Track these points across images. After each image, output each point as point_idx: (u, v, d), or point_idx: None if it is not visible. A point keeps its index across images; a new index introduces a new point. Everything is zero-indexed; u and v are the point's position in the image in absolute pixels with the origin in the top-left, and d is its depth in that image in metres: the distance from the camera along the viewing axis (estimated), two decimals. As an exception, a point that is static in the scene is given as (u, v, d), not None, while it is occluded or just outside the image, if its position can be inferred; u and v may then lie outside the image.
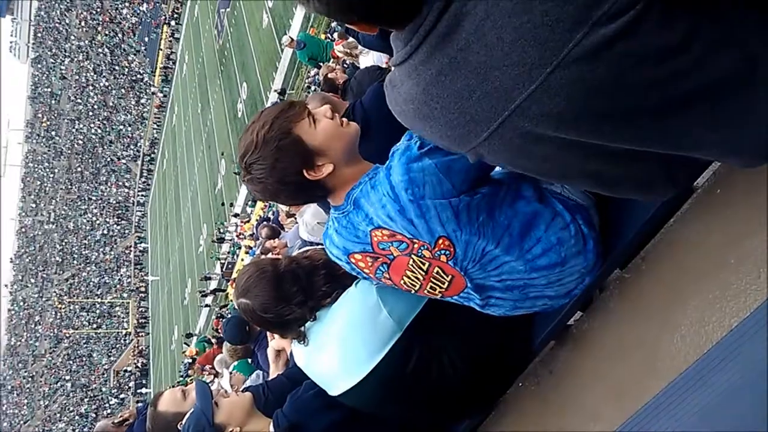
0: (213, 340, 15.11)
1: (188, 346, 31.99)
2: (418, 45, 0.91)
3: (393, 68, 1.02)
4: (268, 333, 2.67)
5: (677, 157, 0.93)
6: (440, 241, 1.30)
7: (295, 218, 4.43)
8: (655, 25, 0.78)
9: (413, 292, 1.44)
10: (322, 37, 12.35)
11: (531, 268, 1.33)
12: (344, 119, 1.46)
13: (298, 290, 1.63)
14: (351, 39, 6.98)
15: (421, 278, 1.39)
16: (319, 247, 1.79)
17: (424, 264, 1.35)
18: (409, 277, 1.40)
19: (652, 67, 0.80)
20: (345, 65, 7.01)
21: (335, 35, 10.21)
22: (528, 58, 0.82)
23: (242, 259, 19.58)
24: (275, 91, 20.03)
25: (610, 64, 0.80)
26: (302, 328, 1.66)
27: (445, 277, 1.37)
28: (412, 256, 1.34)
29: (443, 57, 0.89)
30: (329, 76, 4.92)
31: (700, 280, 1.15)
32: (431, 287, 1.41)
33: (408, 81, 0.97)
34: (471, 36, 0.85)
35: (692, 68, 0.80)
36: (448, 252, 1.31)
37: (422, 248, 1.32)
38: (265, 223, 8.55)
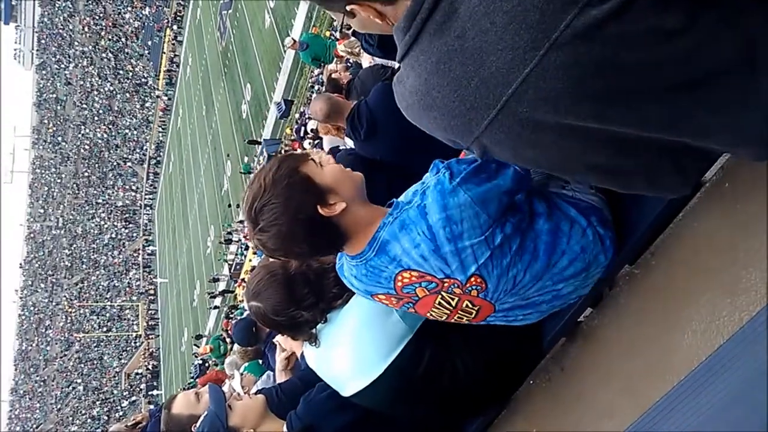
0: (227, 339, 15.15)
1: (197, 347, 32.14)
2: (417, 34, 0.91)
3: (399, 65, 1.02)
4: (276, 339, 2.68)
5: (684, 148, 0.93)
6: (472, 279, 1.28)
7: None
8: (649, 7, 0.77)
9: (442, 319, 1.42)
10: (327, 34, 12.35)
11: (559, 280, 1.33)
12: (349, 168, 1.43)
13: (309, 292, 1.64)
14: (353, 38, 6.98)
15: (449, 311, 1.37)
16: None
17: (453, 299, 1.33)
18: (436, 311, 1.38)
19: (648, 49, 0.80)
20: (348, 64, 7.01)
21: (338, 34, 10.23)
22: (521, 41, 0.81)
23: (250, 260, 19.66)
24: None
25: (604, 45, 0.79)
26: (314, 330, 1.66)
27: (473, 307, 1.35)
28: (442, 293, 1.32)
29: (441, 45, 0.89)
30: (333, 76, 4.93)
31: (711, 275, 1.14)
32: (458, 317, 1.39)
33: (412, 73, 0.97)
34: (466, 22, 0.85)
35: (692, 51, 0.79)
36: (479, 287, 1.30)
37: (453, 286, 1.29)
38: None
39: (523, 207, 1.31)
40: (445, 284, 1.29)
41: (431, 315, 1.39)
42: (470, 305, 1.34)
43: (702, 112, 0.85)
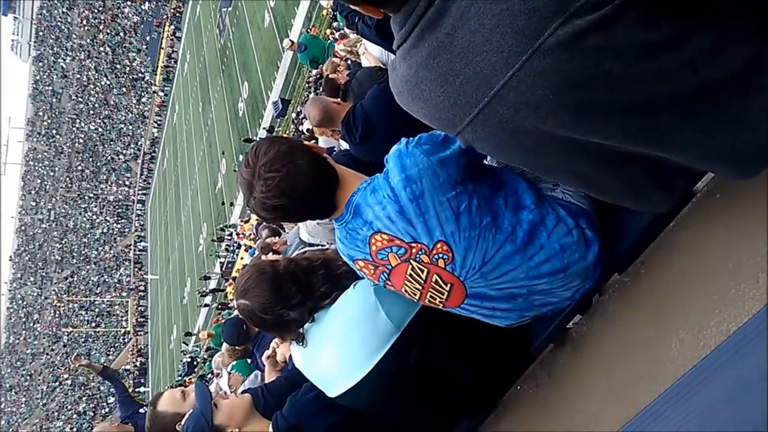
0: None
1: (186, 345, 32.02)
2: (412, 29, 0.93)
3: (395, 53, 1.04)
4: (273, 341, 2.68)
5: (667, 164, 0.93)
6: (438, 245, 1.30)
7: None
8: (636, 21, 0.77)
9: (416, 300, 1.44)
10: (327, 32, 12.35)
11: (534, 276, 1.33)
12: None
13: (297, 291, 1.63)
14: (351, 36, 6.97)
15: (421, 287, 1.39)
16: (317, 248, 1.80)
17: (423, 271, 1.35)
18: (409, 287, 1.40)
19: (632, 63, 0.80)
20: (347, 62, 7.00)
21: (337, 35, 10.22)
22: (506, 44, 0.82)
23: (242, 258, 19.58)
24: (264, 129, 20.33)
25: (586, 56, 0.80)
26: (301, 330, 1.66)
27: (444, 286, 1.37)
28: (411, 261, 1.34)
29: (432, 41, 0.91)
30: (330, 76, 4.92)
31: (700, 284, 1.15)
32: (431, 296, 1.40)
33: (404, 63, 0.99)
34: (457, 21, 0.87)
35: (681, 68, 0.79)
36: (446, 257, 1.31)
37: (420, 252, 1.32)
38: (264, 224, 8.55)
39: (504, 188, 1.33)
40: (413, 249, 1.32)
41: (405, 291, 1.42)
42: (440, 281, 1.36)
43: (683, 130, 0.85)
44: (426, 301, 1.43)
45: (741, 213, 1.10)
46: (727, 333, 1.02)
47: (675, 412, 1.03)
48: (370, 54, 4.54)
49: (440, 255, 1.32)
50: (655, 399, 1.08)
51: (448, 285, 1.37)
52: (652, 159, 0.92)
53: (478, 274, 1.34)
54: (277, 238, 5.16)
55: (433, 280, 1.36)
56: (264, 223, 8.08)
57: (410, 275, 1.37)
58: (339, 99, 3.40)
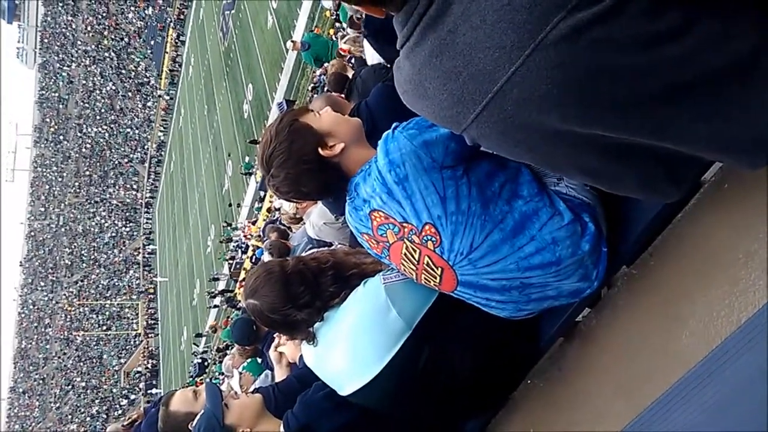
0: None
1: (197, 346, 32.15)
2: (414, 27, 0.92)
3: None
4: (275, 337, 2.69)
5: (675, 154, 0.92)
6: (426, 227, 1.33)
7: (303, 220, 4.44)
8: (639, 12, 0.77)
9: (414, 280, 1.48)
10: (331, 32, 12.35)
11: (524, 267, 1.33)
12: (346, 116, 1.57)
13: (306, 290, 1.64)
14: (353, 34, 6.98)
15: (415, 267, 1.42)
16: (326, 249, 1.81)
17: (415, 251, 1.38)
18: (405, 265, 1.44)
19: (637, 54, 0.79)
20: (351, 62, 7.01)
21: (339, 35, 10.23)
22: (508, 40, 0.82)
23: (249, 258, 19.63)
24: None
25: (590, 49, 0.79)
26: (311, 329, 1.66)
27: (435, 269, 1.39)
28: (404, 240, 1.38)
29: (434, 39, 0.90)
30: (335, 70, 4.92)
31: (709, 275, 1.14)
32: (425, 278, 1.44)
33: (407, 63, 0.99)
34: (458, 18, 0.86)
35: (685, 58, 0.79)
36: (434, 239, 1.34)
37: (411, 233, 1.35)
38: (272, 225, 8.57)
39: (501, 177, 1.33)
40: (405, 229, 1.36)
41: (402, 268, 1.46)
42: (431, 263, 1.38)
43: (691, 120, 0.84)
44: (422, 281, 1.46)
45: (750, 202, 1.09)
46: (737, 323, 1.01)
47: (686, 404, 1.03)
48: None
49: (429, 237, 1.34)
50: (666, 391, 1.07)
51: (439, 269, 1.39)
52: (659, 150, 0.91)
53: (466, 260, 1.34)
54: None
55: (425, 261, 1.39)
56: (271, 225, 8.09)
57: (405, 254, 1.41)
58: (343, 94, 3.41)
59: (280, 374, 2.58)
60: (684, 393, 1.05)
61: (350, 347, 1.59)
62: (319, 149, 1.44)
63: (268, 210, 17.83)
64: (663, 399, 1.09)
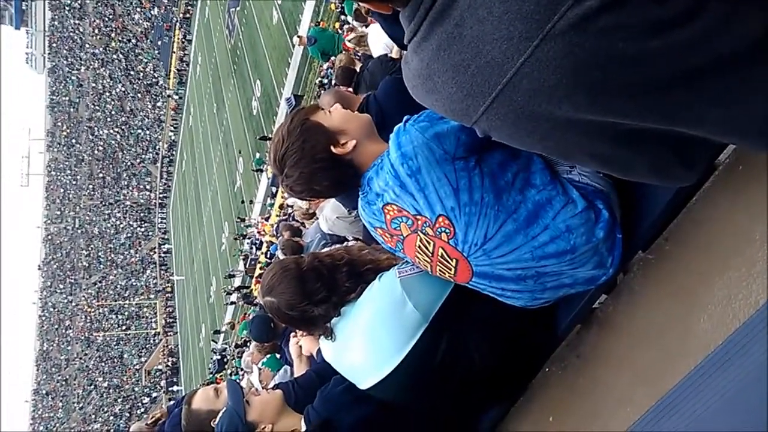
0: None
1: (215, 343, 32.42)
2: (421, 22, 0.92)
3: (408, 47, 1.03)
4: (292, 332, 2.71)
5: (688, 138, 0.92)
6: (440, 219, 1.33)
7: (316, 215, 4.46)
8: None
9: (429, 272, 1.48)
10: (336, 26, 12.33)
11: (539, 256, 1.33)
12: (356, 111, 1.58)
13: (322, 286, 1.65)
14: (359, 29, 6.96)
15: (429, 259, 1.42)
16: (341, 245, 1.82)
17: (429, 243, 1.39)
18: (420, 258, 1.44)
19: (647, 40, 0.78)
20: (357, 56, 7.00)
21: (345, 28, 10.20)
22: (515, 31, 0.81)
23: (263, 253, 19.74)
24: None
25: (599, 37, 0.78)
26: (328, 324, 1.67)
27: (450, 261, 1.39)
28: (418, 233, 1.38)
29: (442, 32, 0.90)
30: (342, 64, 4.92)
31: (726, 258, 1.13)
32: (440, 270, 1.44)
33: (415, 57, 0.98)
34: (465, 11, 0.86)
35: (695, 43, 0.78)
36: (448, 231, 1.34)
37: (425, 225, 1.36)
38: (285, 222, 8.62)
39: (513, 167, 1.33)
40: (419, 222, 1.36)
41: (417, 261, 1.47)
42: (446, 255, 1.39)
43: (703, 103, 0.84)
44: (437, 273, 1.46)
45: (765, 183, 1.08)
46: (756, 306, 1.01)
47: (705, 390, 1.02)
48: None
49: (443, 229, 1.34)
50: (685, 377, 1.07)
51: (454, 260, 1.39)
52: (672, 134, 0.91)
53: (480, 251, 1.34)
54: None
55: (439, 254, 1.39)
56: (284, 222, 8.12)
57: (419, 247, 1.41)
58: (351, 88, 3.40)
59: (299, 369, 2.60)
60: (704, 377, 1.04)
61: (368, 341, 1.60)
62: (332, 147, 1.45)
63: (281, 207, 17.90)
64: (682, 384, 1.08)
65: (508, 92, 0.87)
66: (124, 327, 61.76)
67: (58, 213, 72.09)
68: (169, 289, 58.00)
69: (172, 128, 55.92)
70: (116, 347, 62.16)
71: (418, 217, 1.35)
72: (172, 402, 4.54)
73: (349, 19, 9.25)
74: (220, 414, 1.94)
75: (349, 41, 6.83)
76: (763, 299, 1.00)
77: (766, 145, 0.90)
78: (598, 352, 1.51)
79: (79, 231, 68.54)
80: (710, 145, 1.01)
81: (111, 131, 64.11)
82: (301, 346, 2.57)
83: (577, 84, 0.83)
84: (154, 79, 59.88)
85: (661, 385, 1.13)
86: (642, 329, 1.37)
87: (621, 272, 1.43)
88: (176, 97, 52.62)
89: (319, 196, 1.60)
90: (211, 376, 24.53)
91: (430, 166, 1.29)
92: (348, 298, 1.65)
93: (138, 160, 64.46)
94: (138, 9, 56.90)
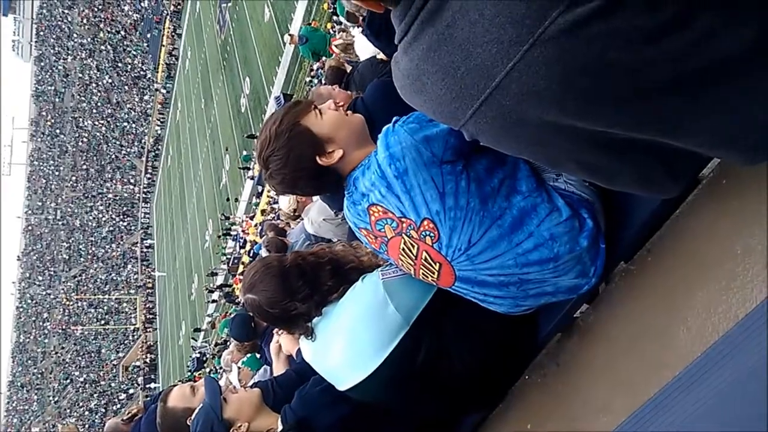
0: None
1: (195, 341, 32.18)
2: (411, 22, 0.92)
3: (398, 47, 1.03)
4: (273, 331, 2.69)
5: (674, 150, 0.92)
6: (425, 223, 1.33)
7: (301, 217, 4.44)
8: (639, 6, 0.76)
9: (412, 275, 1.48)
10: (328, 26, 12.30)
11: (522, 263, 1.33)
12: (349, 111, 1.56)
13: (304, 285, 1.64)
14: (350, 30, 6.93)
15: (413, 262, 1.42)
16: (325, 243, 1.81)
17: (413, 246, 1.39)
18: (403, 260, 1.44)
19: (636, 49, 0.78)
20: (346, 60, 6.98)
21: (338, 29, 10.19)
22: (506, 35, 0.81)
23: (248, 253, 19.62)
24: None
25: (589, 44, 0.78)
26: (309, 324, 1.66)
27: (433, 265, 1.39)
28: (403, 235, 1.38)
29: (432, 33, 0.89)
30: (333, 64, 4.90)
31: (707, 271, 1.14)
32: (423, 273, 1.44)
33: (405, 57, 0.98)
34: (456, 13, 0.85)
35: (687, 50, 0.77)
36: (432, 234, 1.34)
37: (410, 228, 1.36)
38: (269, 222, 8.59)
39: (499, 173, 1.33)
40: (404, 224, 1.36)
41: (400, 264, 1.47)
42: (429, 259, 1.39)
43: (693, 114, 0.84)
44: (420, 277, 1.46)
45: (748, 198, 1.09)
46: (735, 319, 1.02)
47: (684, 399, 1.03)
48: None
49: (427, 233, 1.34)
50: (664, 386, 1.08)
51: (437, 264, 1.39)
52: (658, 145, 0.91)
53: (464, 256, 1.34)
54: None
55: (423, 257, 1.39)
56: (269, 222, 8.08)
57: (403, 249, 1.41)
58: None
59: (279, 368, 2.58)
60: (682, 388, 1.05)
61: (348, 342, 1.59)
62: (318, 157, 1.45)
63: (263, 212, 17.85)
64: (661, 394, 1.09)
65: (497, 96, 0.87)
66: (102, 321, 61.09)
67: (40, 204, 71.15)
68: (150, 285, 57.50)
69: (159, 122, 55.48)
70: (94, 342, 61.41)
71: (403, 219, 1.35)
72: (149, 398, 4.49)
73: (342, 19, 9.24)
74: (196, 411, 1.92)
75: (336, 46, 6.80)
76: (742, 313, 1.00)
77: (752, 159, 0.91)
78: (578, 361, 1.51)
79: (61, 223, 67.69)
80: (696, 158, 1.01)
81: (96, 123, 63.47)
82: (280, 346, 2.56)
83: (566, 90, 0.83)
84: (141, 72, 59.44)
85: (640, 394, 1.14)
86: (622, 339, 1.37)
87: (603, 282, 1.44)
88: (164, 91, 52.23)
89: (301, 195, 1.63)
90: (189, 374, 24.32)
91: (417, 169, 1.29)
92: (330, 298, 1.64)
93: (123, 153, 63.87)
94: (128, 0, 56.40)
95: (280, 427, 1.80)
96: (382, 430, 1.81)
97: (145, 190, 61.41)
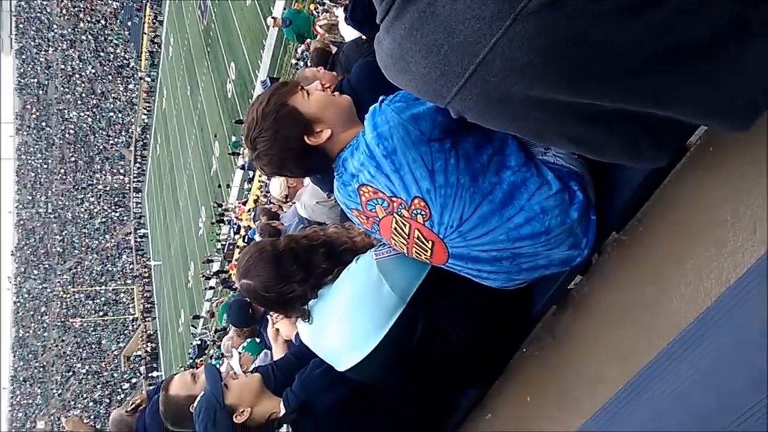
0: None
1: (195, 328, 32.29)
2: (392, 1, 0.91)
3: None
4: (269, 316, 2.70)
5: (660, 119, 0.92)
6: (415, 201, 1.33)
7: (294, 202, 4.42)
8: None
9: (405, 254, 1.49)
10: (311, 8, 12.14)
11: (514, 238, 1.34)
12: (336, 92, 1.55)
13: (298, 268, 1.64)
14: (333, 11, 6.85)
15: (405, 241, 1.43)
16: (317, 226, 1.81)
17: (405, 225, 1.39)
18: (395, 240, 1.45)
19: (618, 23, 0.78)
20: (332, 39, 6.91)
21: (320, 9, 10.06)
22: (488, 10, 0.80)
23: (243, 239, 19.60)
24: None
25: (572, 18, 0.78)
26: (306, 307, 1.67)
27: (426, 243, 1.40)
28: (394, 215, 1.38)
29: (414, 11, 0.89)
30: (318, 46, 4.86)
31: (697, 238, 1.15)
32: (416, 252, 1.45)
33: (387, 36, 0.97)
34: None
35: (667, 24, 0.77)
36: (423, 213, 1.34)
37: (401, 207, 1.36)
38: (262, 207, 8.56)
39: (488, 149, 1.32)
40: (395, 203, 1.36)
41: (393, 243, 1.48)
42: (422, 237, 1.39)
43: (676, 85, 0.84)
44: (414, 255, 1.47)
45: (735, 165, 1.09)
46: (727, 284, 1.03)
47: (679, 366, 1.04)
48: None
49: (418, 211, 1.35)
50: (658, 354, 1.09)
51: (430, 242, 1.39)
52: (644, 115, 0.91)
53: (456, 233, 1.35)
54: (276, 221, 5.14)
55: (415, 235, 1.40)
56: (262, 207, 8.06)
57: (395, 229, 1.41)
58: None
59: (278, 352, 2.60)
60: (676, 355, 1.06)
61: (345, 323, 1.60)
62: (305, 137, 1.44)
63: (255, 201, 17.79)
64: (656, 362, 1.10)
65: (481, 72, 0.87)
66: (101, 313, 61.07)
67: (30, 198, 70.57)
68: (146, 275, 57.41)
69: (146, 111, 54.88)
70: (94, 333, 61.48)
71: (394, 198, 1.35)
72: (152, 387, 4.51)
73: (325, 0, 9.12)
74: (198, 398, 1.94)
75: (320, 27, 6.73)
76: (734, 278, 1.01)
77: (738, 126, 0.91)
78: (574, 332, 1.53)
79: (52, 216, 67.25)
80: (682, 126, 1.01)
81: (82, 114, 62.71)
82: (278, 330, 2.57)
83: (549, 64, 0.83)
84: (125, 61, 58.62)
85: (634, 362, 1.16)
86: (616, 309, 1.39)
87: (596, 253, 1.45)
88: (148, 79, 51.56)
89: (290, 176, 1.62)
90: (191, 361, 24.42)
91: (405, 147, 1.28)
92: (325, 280, 1.64)
93: (110, 144, 63.26)
94: (107, -12, 55.45)
95: (283, 411, 1.81)
96: (379, 410, 1.82)
97: (135, 179, 61.00)
